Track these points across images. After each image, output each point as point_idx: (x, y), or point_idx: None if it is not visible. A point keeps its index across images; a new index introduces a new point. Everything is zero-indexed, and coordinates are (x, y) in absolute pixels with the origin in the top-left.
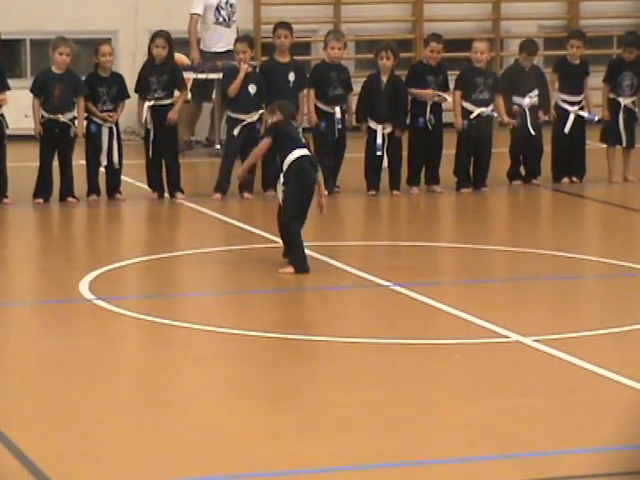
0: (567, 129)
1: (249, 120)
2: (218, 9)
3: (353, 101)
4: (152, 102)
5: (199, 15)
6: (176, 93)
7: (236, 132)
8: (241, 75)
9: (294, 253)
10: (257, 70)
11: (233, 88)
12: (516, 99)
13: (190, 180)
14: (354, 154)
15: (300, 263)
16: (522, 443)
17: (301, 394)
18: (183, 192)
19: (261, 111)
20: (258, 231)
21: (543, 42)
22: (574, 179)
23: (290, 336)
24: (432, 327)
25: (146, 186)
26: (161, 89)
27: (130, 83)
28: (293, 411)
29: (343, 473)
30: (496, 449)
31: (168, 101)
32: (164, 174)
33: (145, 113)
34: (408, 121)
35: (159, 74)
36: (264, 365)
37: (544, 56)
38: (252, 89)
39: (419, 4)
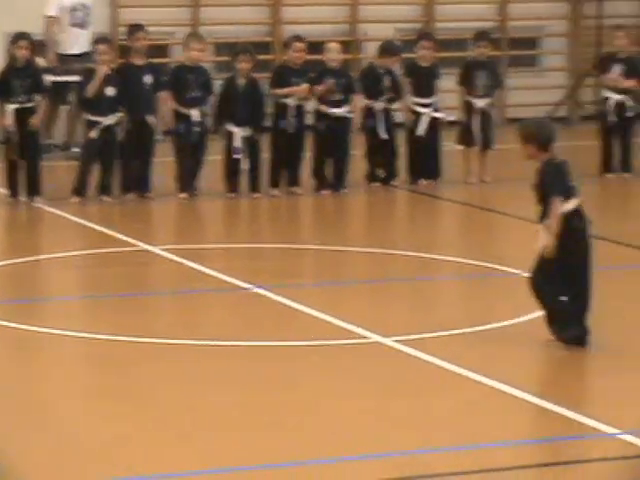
0: (421, 131)
1: (107, 123)
2: (73, 11)
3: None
4: (16, 105)
5: (54, 17)
6: (38, 97)
7: (94, 135)
8: (100, 75)
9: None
10: (113, 72)
11: (91, 88)
12: (369, 102)
13: (48, 183)
14: (214, 157)
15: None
16: (384, 443)
17: (164, 398)
18: (41, 195)
19: (119, 114)
20: (117, 234)
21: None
22: (431, 180)
23: (154, 340)
24: (293, 329)
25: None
26: (24, 93)
27: None
28: (157, 415)
29: (212, 476)
30: (358, 449)
31: (31, 104)
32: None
33: (9, 117)
34: (270, 123)
35: (22, 78)
36: (127, 369)
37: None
38: (110, 92)
39: (277, 7)
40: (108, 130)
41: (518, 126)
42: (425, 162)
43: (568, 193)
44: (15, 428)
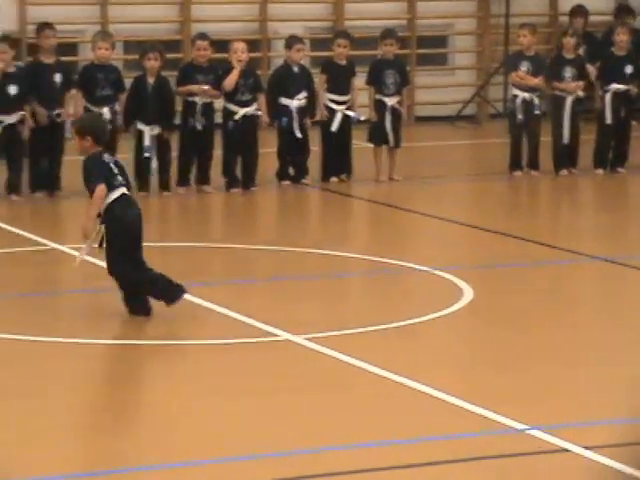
0: (334, 128)
1: (9, 121)
2: None
3: None
4: None
5: None
6: None
7: None
8: None
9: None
10: (17, 70)
11: None
12: (284, 100)
13: None
14: (125, 155)
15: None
16: (289, 441)
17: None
18: None
19: (22, 112)
20: (27, 234)
21: (310, 43)
22: (342, 178)
23: (58, 339)
24: (205, 327)
25: None
26: None
27: None
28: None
29: (111, 476)
30: (263, 448)
31: None
32: None
33: None
34: (179, 122)
35: None
36: (27, 368)
37: (311, 57)
38: (13, 90)
39: (186, 5)
40: (10, 128)
41: (75, 121)
42: (337, 160)
43: (112, 185)
44: None
